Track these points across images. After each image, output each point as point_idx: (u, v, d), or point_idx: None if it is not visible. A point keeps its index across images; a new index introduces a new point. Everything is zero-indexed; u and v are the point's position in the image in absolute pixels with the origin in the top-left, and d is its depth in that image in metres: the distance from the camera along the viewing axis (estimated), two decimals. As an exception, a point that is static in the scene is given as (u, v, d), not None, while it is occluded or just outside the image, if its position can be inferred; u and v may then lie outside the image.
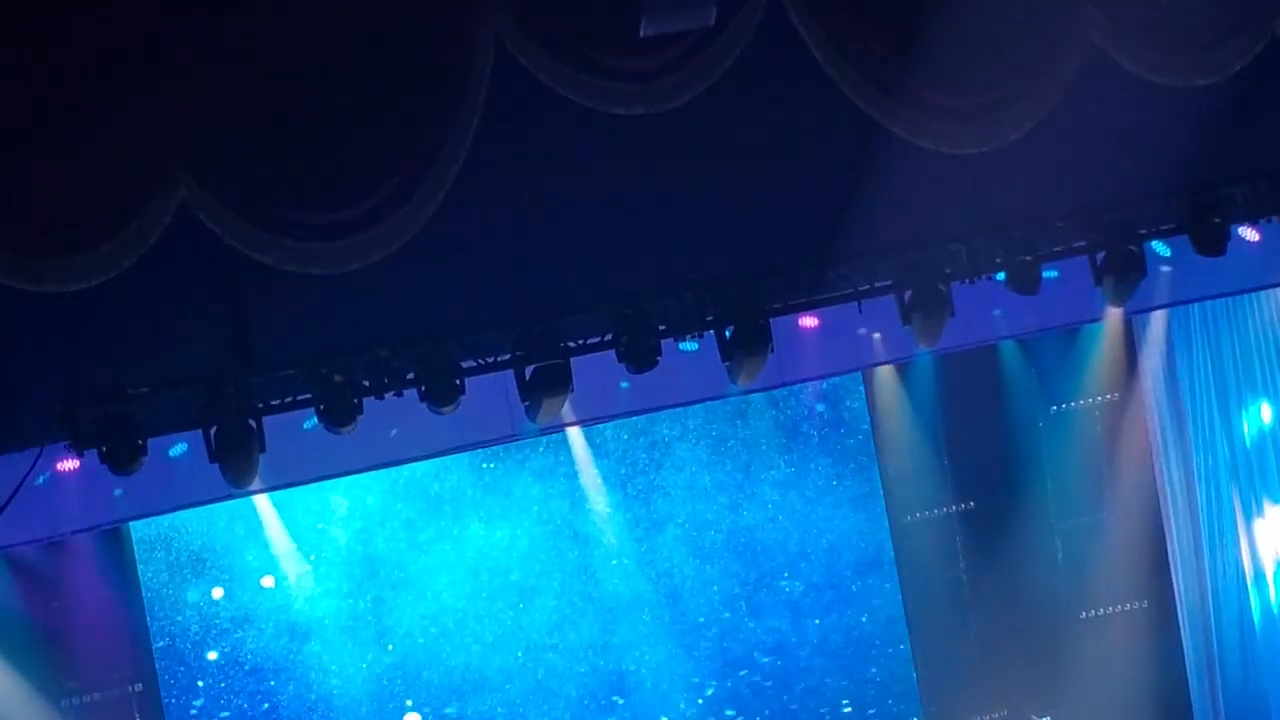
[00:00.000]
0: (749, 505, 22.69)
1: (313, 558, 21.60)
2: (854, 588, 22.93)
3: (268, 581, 21.52)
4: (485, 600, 22.06)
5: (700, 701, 22.61)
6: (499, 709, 22.09)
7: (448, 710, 21.93)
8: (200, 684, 21.48)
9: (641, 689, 22.49)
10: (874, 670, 23.03)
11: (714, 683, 22.64)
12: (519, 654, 22.12)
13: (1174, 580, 22.03)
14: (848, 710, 22.89)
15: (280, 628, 21.65)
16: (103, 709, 21.03)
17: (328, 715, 21.72)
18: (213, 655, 21.50)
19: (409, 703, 21.86)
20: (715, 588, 22.63)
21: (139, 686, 21.31)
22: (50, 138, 13.58)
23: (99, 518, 20.23)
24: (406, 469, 21.35)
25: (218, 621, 21.49)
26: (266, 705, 21.58)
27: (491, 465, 22.00)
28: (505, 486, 22.08)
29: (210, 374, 16.30)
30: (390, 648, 21.80)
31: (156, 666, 21.31)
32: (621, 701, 22.41)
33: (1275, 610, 21.41)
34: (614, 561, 22.42)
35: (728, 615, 22.64)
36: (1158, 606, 22.55)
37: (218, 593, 21.45)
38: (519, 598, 22.13)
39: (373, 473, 21.01)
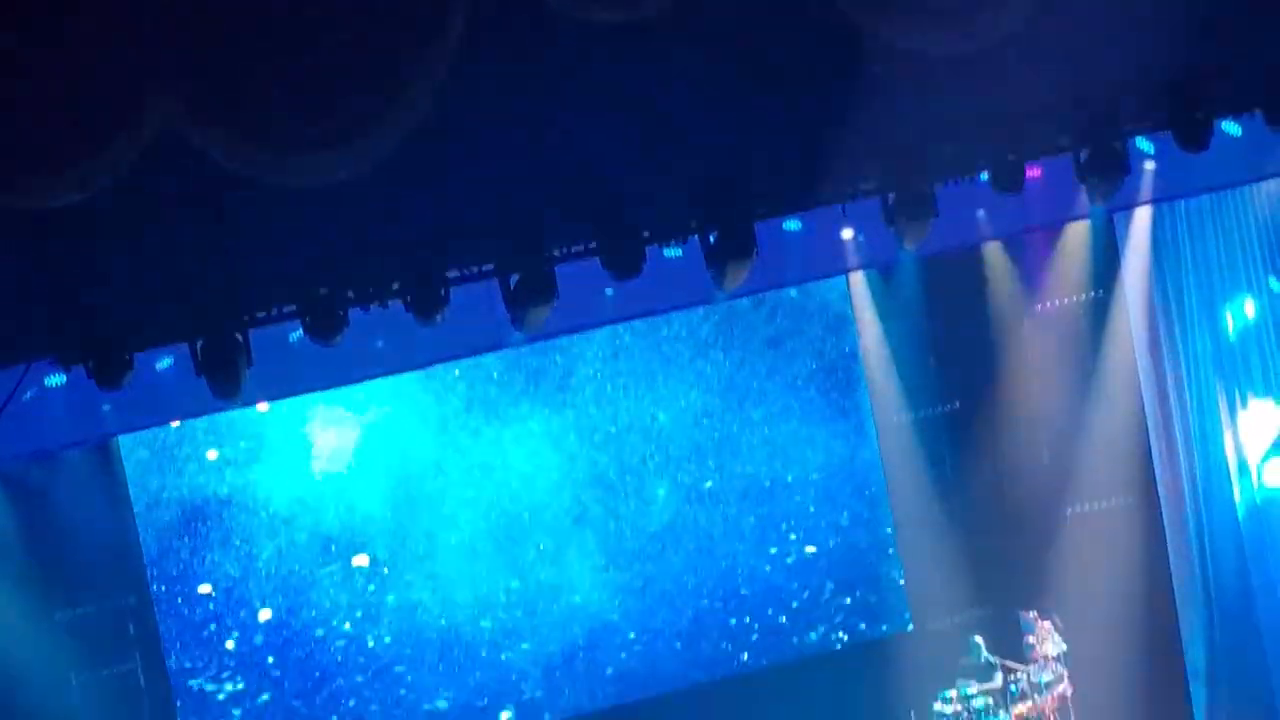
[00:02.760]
0: (736, 414, 22.76)
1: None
2: (841, 491, 23.04)
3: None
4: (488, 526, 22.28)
5: (693, 612, 22.76)
6: (505, 618, 22.27)
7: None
8: (197, 596, 21.57)
9: (646, 596, 22.64)
10: (861, 571, 23.17)
11: (707, 595, 22.79)
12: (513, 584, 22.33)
13: (1159, 475, 22.13)
14: (838, 613, 23.05)
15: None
16: (97, 621, 21.13)
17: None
18: (205, 589, 21.64)
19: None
20: (705, 494, 22.74)
21: (132, 599, 21.40)
22: (32, 53, 13.49)
23: (87, 432, 20.26)
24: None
25: (209, 538, 21.61)
26: (267, 615, 21.71)
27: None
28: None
29: (197, 288, 16.24)
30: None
31: (148, 576, 21.40)
32: (617, 618, 22.56)
33: (1260, 502, 21.53)
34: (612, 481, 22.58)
35: (718, 520, 22.77)
36: (1143, 501, 22.69)
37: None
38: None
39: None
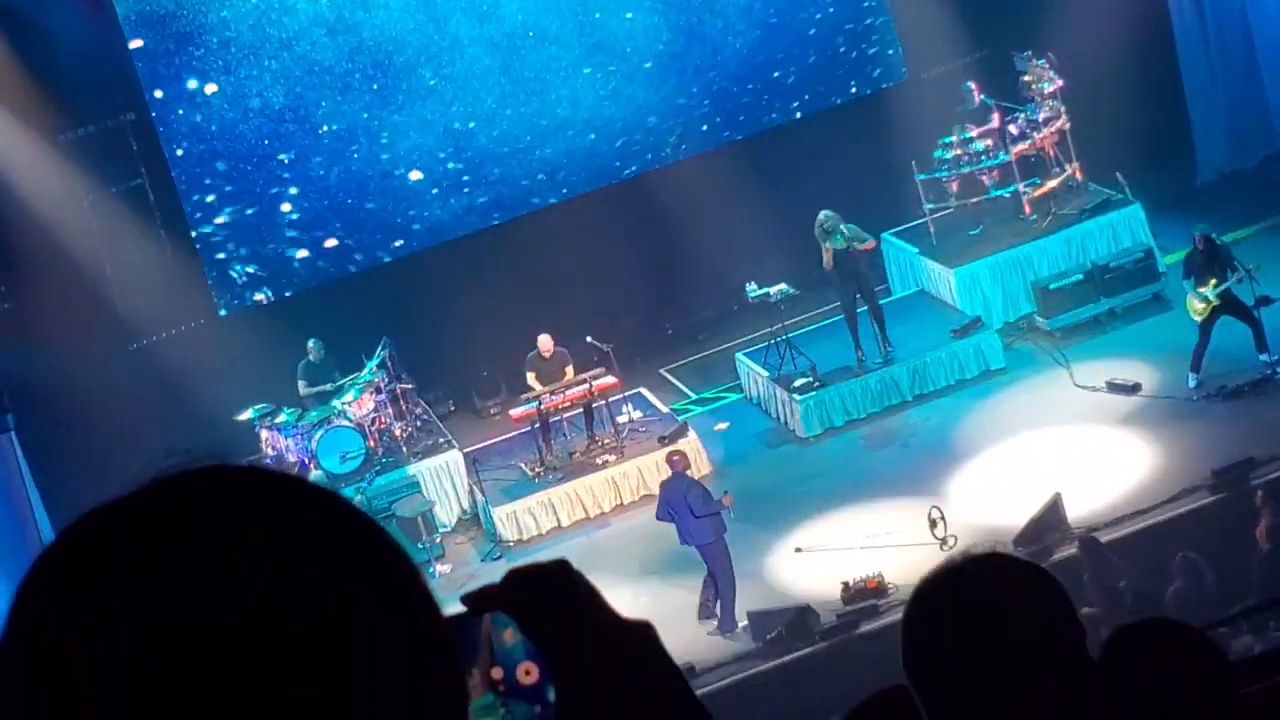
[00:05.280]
0: None
1: None
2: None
3: None
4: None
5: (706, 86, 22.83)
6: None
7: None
8: (188, 98, 21.58)
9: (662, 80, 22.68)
10: (853, 23, 23.10)
11: (716, 69, 22.82)
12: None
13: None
14: (835, 60, 23.09)
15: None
16: (99, 140, 21.22)
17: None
18: (201, 86, 21.55)
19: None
20: None
21: (131, 116, 21.44)
22: None
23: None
24: None
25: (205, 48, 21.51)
26: (257, 101, 21.75)
27: None
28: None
29: None
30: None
31: (146, 95, 21.40)
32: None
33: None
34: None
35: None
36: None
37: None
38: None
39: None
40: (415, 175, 22.24)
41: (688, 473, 17.08)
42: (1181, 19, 22.19)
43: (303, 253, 22.10)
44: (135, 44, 21.20)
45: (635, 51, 22.54)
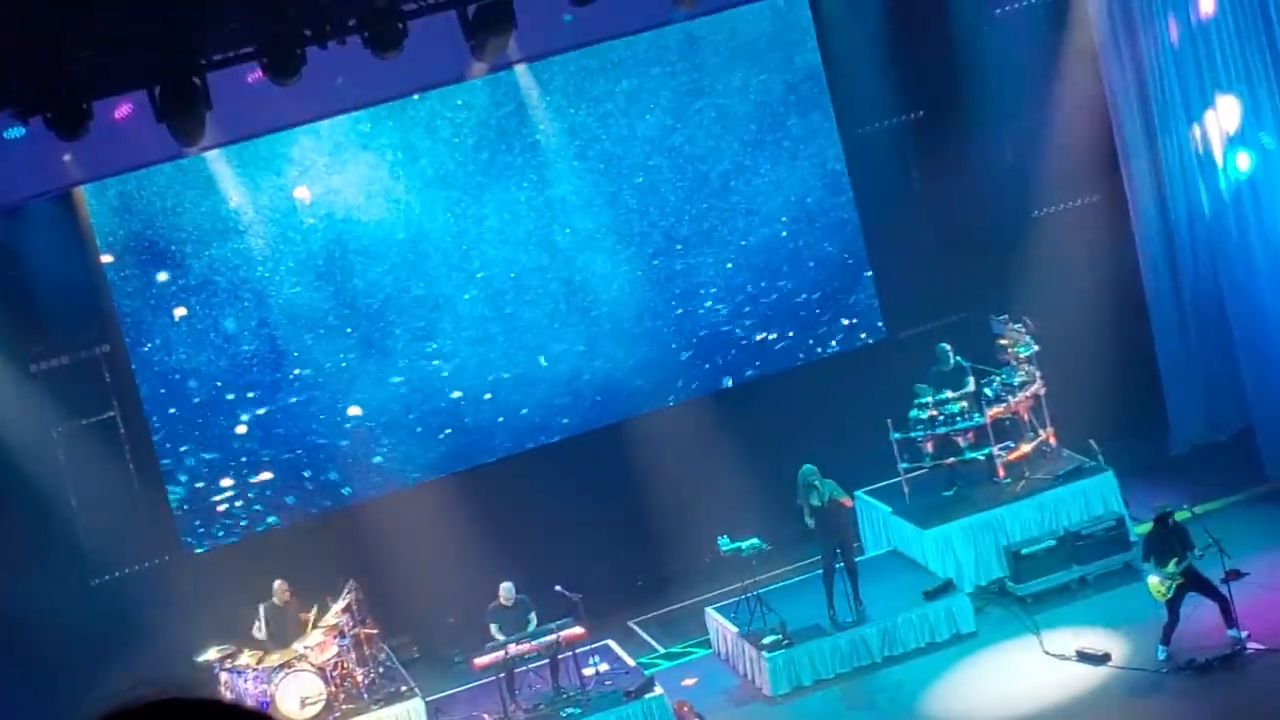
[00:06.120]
0: (697, 124, 22.71)
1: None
2: (809, 204, 23.08)
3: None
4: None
5: (673, 318, 22.92)
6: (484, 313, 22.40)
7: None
8: (161, 332, 21.58)
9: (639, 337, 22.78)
10: (836, 283, 23.30)
11: (681, 306, 22.94)
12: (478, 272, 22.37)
13: (1125, 173, 22.13)
14: (813, 321, 23.24)
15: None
16: (72, 371, 21.21)
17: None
18: (180, 311, 21.59)
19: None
20: (669, 203, 22.78)
21: (106, 347, 21.45)
22: None
23: (50, 183, 20.19)
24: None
25: (180, 279, 21.57)
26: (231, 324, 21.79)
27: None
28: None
29: (153, 33, 16.03)
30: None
31: (121, 327, 21.42)
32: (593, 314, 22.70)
33: (1226, 195, 21.57)
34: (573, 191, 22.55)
35: (685, 227, 22.83)
36: (1110, 199, 22.77)
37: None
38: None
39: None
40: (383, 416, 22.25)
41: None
42: (1157, 291, 22.39)
43: (270, 492, 21.99)
44: (106, 259, 21.27)
45: (616, 312, 22.71)
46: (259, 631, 20.10)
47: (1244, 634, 18.15)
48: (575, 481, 22.00)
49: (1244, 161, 21.41)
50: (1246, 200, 21.48)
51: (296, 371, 21.95)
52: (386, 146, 21.88)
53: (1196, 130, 21.57)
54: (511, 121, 22.17)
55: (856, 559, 20.47)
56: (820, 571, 20.19)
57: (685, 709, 16.56)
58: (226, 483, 21.84)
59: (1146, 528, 19.39)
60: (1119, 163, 22.25)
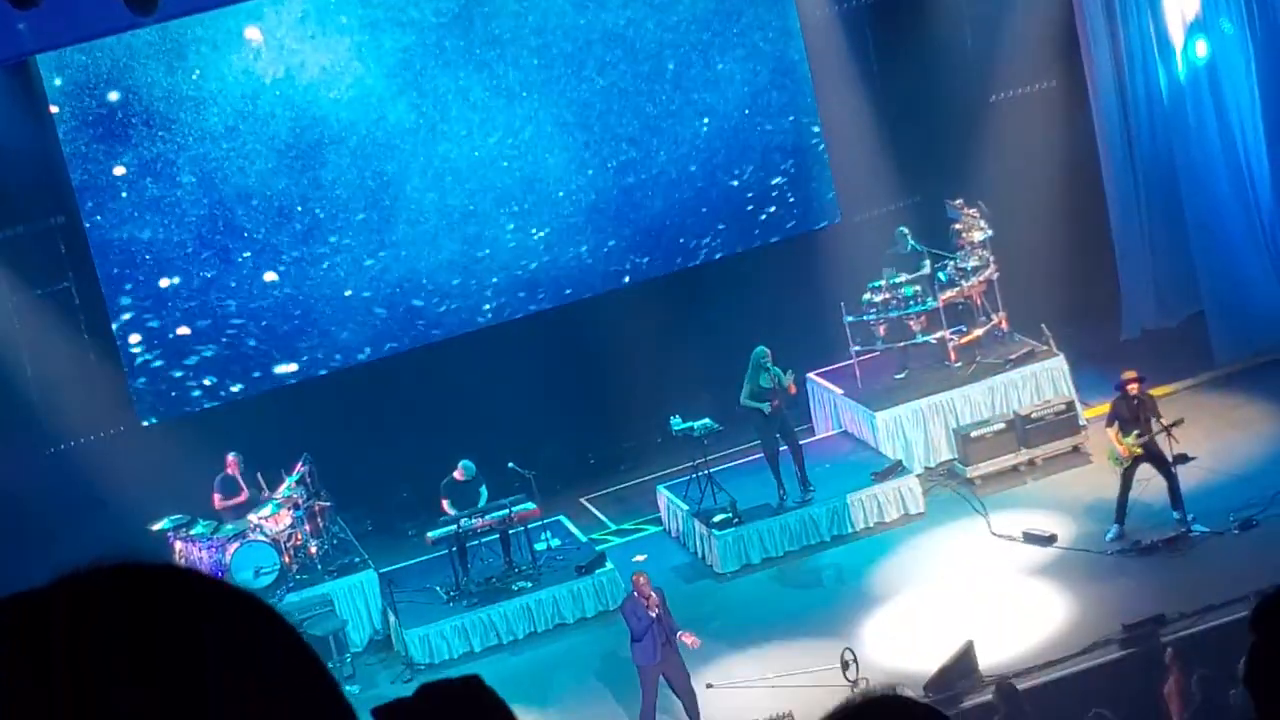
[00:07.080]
0: (653, 10, 22.63)
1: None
2: (767, 88, 23.05)
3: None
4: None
5: (637, 225, 22.93)
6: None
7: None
8: (118, 205, 21.50)
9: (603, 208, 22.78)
10: (792, 167, 23.32)
11: (638, 190, 22.94)
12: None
13: (1085, 58, 22.12)
14: (768, 203, 23.28)
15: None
16: (28, 241, 21.16)
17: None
18: (130, 178, 21.48)
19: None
20: (626, 89, 22.75)
21: (61, 219, 21.39)
22: None
23: (4, 51, 19.99)
24: None
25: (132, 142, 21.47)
26: (182, 213, 21.71)
27: None
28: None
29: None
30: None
31: (77, 198, 21.35)
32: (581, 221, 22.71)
33: (1184, 79, 21.61)
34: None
35: (641, 113, 22.81)
36: (1066, 85, 22.80)
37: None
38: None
39: None
40: (346, 293, 22.25)
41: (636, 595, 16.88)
42: (1114, 176, 22.43)
43: (225, 366, 22.02)
44: (62, 130, 21.15)
45: (569, 194, 22.71)
46: (218, 502, 20.27)
47: (1190, 516, 18.41)
48: (529, 360, 22.09)
49: (1202, 48, 21.48)
50: (1204, 85, 21.56)
51: (251, 250, 21.91)
52: (348, 29, 21.78)
53: (1151, 17, 21.59)
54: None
55: (803, 441, 20.63)
56: (762, 456, 20.36)
57: (642, 580, 16.73)
58: (181, 356, 21.86)
59: (1096, 412, 19.54)
60: (1079, 48, 22.24)
